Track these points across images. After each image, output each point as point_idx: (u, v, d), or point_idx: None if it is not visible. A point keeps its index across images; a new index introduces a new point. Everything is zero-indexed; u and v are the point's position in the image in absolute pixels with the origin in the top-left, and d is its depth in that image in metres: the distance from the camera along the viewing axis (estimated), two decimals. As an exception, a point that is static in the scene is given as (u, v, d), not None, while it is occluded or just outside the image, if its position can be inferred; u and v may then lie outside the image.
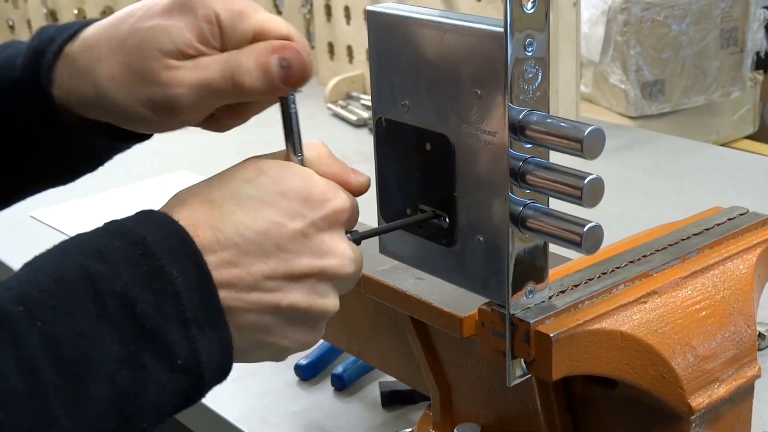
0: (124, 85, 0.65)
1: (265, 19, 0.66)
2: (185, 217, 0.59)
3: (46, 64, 0.69)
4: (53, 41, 0.70)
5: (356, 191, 0.67)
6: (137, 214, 0.60)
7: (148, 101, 0.65)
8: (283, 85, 0.64)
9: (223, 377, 0.60)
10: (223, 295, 0.58)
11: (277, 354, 0.64)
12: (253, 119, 2.10)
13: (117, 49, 0.66)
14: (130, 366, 0.54)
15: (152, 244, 0.57)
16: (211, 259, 0.58)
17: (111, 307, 0.54)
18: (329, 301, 0.63)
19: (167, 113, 0.65)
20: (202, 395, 0.59)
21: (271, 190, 0.61)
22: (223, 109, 0.69)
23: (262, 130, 2.05)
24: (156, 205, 0.63)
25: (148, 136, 0.75)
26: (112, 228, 0.59)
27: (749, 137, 2.77)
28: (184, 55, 0.64)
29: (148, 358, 0.55)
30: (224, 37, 0.65)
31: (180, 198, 0.62)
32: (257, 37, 0.65)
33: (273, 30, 0.65)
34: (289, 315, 0.62)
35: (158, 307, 0.56)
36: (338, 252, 0.63)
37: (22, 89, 0.71)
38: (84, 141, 0.73)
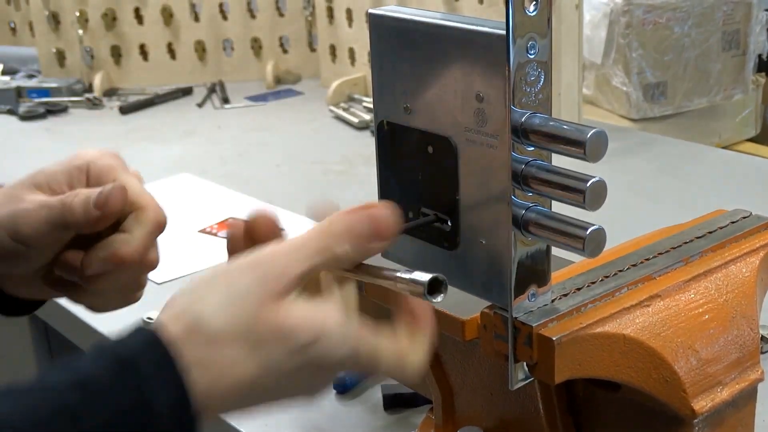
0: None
1: (126, 180, 0.75)
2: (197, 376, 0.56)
3: None
4: None
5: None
6: (139, 337, 0.57)
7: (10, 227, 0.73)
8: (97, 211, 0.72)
9: None
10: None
11: None
12: (253, 123, 2.12)
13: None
14: None
15: (143, 371, 0.55)
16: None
17: None
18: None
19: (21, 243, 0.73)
20: None
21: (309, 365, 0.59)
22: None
23: (264, 134, 2.06)
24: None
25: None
26: (104, 353, 0.56)
27: (751, 140, 2.76)
28: (53, 192, 0.75)
29: None
30: (90, 185, 0.75)
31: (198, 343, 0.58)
32: None
33: (129, 190, 0.74)
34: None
35: None
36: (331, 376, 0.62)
37: None
38: None
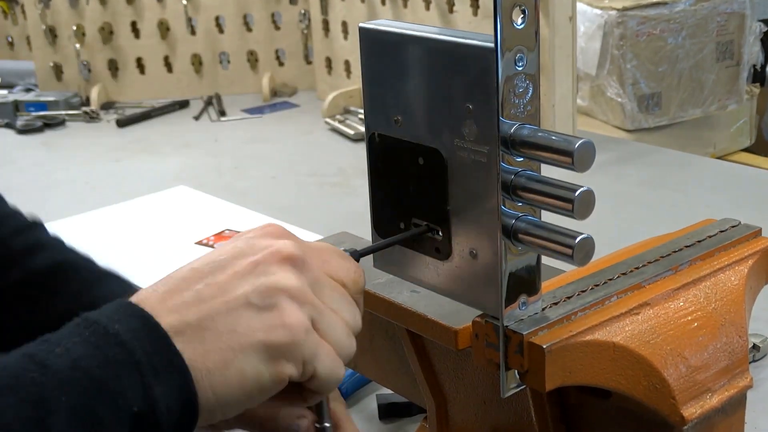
0: None
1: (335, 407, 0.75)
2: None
3: None
4: None
5: None
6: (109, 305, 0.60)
7: None
8: None
9: (189, 424, 0.58)
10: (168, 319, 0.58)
11: (263, 356, 0.60)
12: (249, 136, 2.12)
13: None
14: (84, 422, 0.53)
15: (94, 315, 0.57)
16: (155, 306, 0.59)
17: (60, 369, 0.53)
18: (276, 275, 0.62)
19: None
20: None
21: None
22: None
23: (260, 146, 2.07)
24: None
25: None
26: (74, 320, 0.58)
27: (746, 150, 2.78)
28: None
29: (102, 409, 0.53)
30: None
31: None
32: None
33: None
34: (237, 305, 0.60)
35: (105, 356, 0.54)
36: (270, 243, 0.63)
37: None
38: None
